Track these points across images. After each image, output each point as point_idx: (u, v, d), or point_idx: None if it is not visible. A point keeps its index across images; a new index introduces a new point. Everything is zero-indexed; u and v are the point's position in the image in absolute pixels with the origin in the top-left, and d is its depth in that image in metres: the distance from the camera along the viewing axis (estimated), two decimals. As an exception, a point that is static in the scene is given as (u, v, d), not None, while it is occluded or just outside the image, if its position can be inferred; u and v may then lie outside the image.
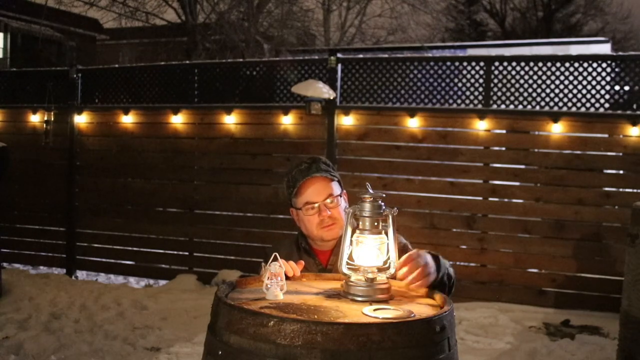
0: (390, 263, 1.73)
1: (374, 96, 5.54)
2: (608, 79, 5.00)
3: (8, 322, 4.54)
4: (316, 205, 2.06)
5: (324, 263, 2.14)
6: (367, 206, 1.72)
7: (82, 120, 6.42)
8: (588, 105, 5.02)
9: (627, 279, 3.17)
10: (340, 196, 2.10)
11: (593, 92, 5.00)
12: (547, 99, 5.12)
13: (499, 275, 5.21)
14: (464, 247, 5.31)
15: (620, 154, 4.97)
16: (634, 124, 4.87)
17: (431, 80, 5.41)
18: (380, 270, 1.72)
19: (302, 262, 1.96)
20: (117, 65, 8.30)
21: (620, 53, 5.50)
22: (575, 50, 10.29)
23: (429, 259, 1.77)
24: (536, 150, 5.17)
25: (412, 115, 5.36)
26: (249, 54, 12.29)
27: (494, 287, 5.21)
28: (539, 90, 5.14)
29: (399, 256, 1.75)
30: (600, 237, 4.99)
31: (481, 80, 5.26)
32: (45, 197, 6.58)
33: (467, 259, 5.32)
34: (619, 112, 4.99)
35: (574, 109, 5.06)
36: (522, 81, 5.17)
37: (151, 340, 4.29)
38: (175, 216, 6.14)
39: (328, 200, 2.06)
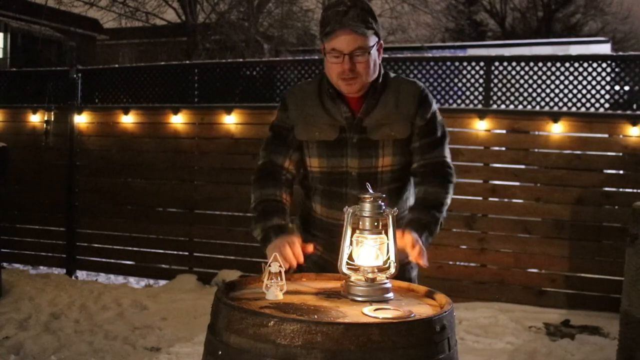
0: (390, 263, 1.73)
1: (374, 96, 5.54)
2: (608, 79, 4.99)
3: (8, 322, 4.54)
4: (342, 54, 1.93)
5: (356, 109, 2.03)
6: (367, 206, 1.72)
7: (82, 120, 6.42)
8: (588, 105, 5.02)
9: (627, 279, 3.17)
10: (371, 49, 1.96)
11: (593, 92, 5.00)
12: (547, 99, 5.12)
13: (499, 275, 5.20)
14: (464, 247, 5.30)
15: (620, 154, 4.97)
16: (634, 124, 4.87)
17: (431, 80, 5.41)
18: (380, 270, 1.72)
19: (312, 246, 1.92)
20: (117, 65, 8.32)
21: (620, 53, 5.51)
22: (575, 50, 10.30)
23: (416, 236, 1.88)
24: (536, 150, 5.16)
25: (412, 115, 5.35)
26: (249, 54, 12.30)
27: (494, 287, 5.20)
28: (539, 90, 5.14)
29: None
30: (600, 237, 4.99)
31: (481, 80, 5.26)
32: (45, 197, 6.57)
33: (467, 259, 5.32)
34: (619, 112, 4.98)
35: (574, 109, 5.05)
36: (522, 81, 5.16)
37: (151, 340, 4.29)
38: (175, 216, 6.14)
39: (356, 53, 1.93)
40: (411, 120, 2.05)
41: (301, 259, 1.88)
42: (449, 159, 2.09)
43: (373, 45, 1.97)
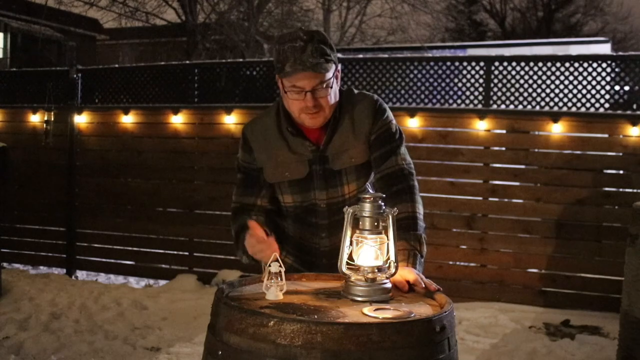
0: (390, 263, 1.73)
1: (374, 96, 5.54)
2: (608, 79, 5.00)
3: (8, 322, 4.54)
4: (304, 92, 1.90)
5: (318, 140, 2.03)
6: (367, 206, 1.72)
7: (82, 120, 6.42)
8: (588, 105, 5.02)
9: (627, 279, 3.17)
10: (332, 79, 1.94)
11: (593, 92, 5.00)
12: (547, 99, 5.12)
13: (499, 275, 5.21)
14: (464, 247, 5.30)
15: (620, 154, 4.97)
16: (634, 124, 4.87)
17: (431, 80, 5.41)
18: (380, 270, 1.72)
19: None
20: (117, 65, 8.30)
21: (620, 53, 5.51)
22: (575, 50, 10.30)
23: (415, 271, 1.85)
24: (536, 150, 5.16)
25: (412, 115, 5.36)
26: (249, 54, 12.30)
27: (494, 287, 5.20)
28: (539, 90, 5.14)
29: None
30: (600, 237, 4.99)
31: (481, 80, 5.26)
32: (45, 197, 6.57)
33: (467, 259, 5.32)
34: (619, 112, 4.98)
35: (574, 109, 5.06)
36: (522, 81, 5.16)
37: (151, 340, 4.29)
38: (175, 216, 6.14)
39: (318, 88, 1.90)
40: (368, 141, 2.05)
41: (274, 244, 1.81)
42: (405, 164, 2.06)
43: (332, 76, 1.95)
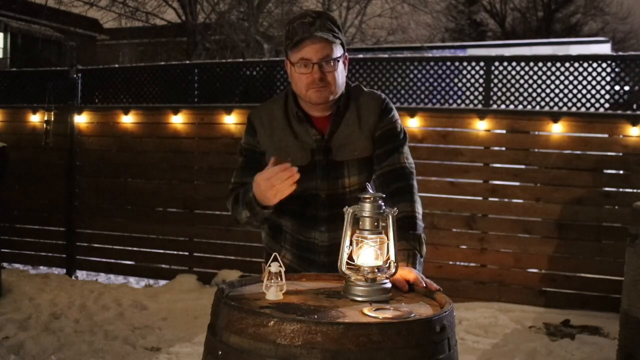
0: (390, 263, 1.73)
1: (374, 96, 5.54)
2: (608, 79, 5.00)
3: (8, 322, 4.54)
4: (311, 63, 1.94)
5: (324, 130, 2.05)
6: (367, 206, 1.72)
7: (82, 120, 6.42)
8: (588, 105, 5.03)
9: (627, 279, 3.17)
10: (339, 60, 1.98)
11: (593, 92, 5.00)
12: (547, 99, 5.12)
13: (499, 275, 5.21)
14: (464, 247, 5.30)
15: (620, 154, 4.97)
16: (634, 124, 4.87)
17: (431, 80, 5.41)
18: (380, 270, 1.72)
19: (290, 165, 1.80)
20: (117, 65, 8.30)
21: (620, 53, 5.51)
22: (575, 50, 10.30)
23: (415, 271, 1.85)
24: (536, 150, 5.16)
25: (412, 115, 5.36)
26: (249, 54, 12.31)
27: (494, 287, 5.20)
28: (539, 90, 5.14)
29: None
30: (600, 237, 4.99)
31: (481, 80, 5.26)
32: (45, 197, 6.57)
33: (467, 259, 5.32)
34: (619, 112, 4.98)
35: (574, 109, 5.06)
36: (522, 81, 5.17)
37: (151, 340, 4.29)
38: (175, 216, 6.14)
39: (325, 62, 1.94)
40: (372, 137, 2.07)
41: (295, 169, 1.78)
42: (407, 163, 2.08)
43: (340, 56, 1.98)
